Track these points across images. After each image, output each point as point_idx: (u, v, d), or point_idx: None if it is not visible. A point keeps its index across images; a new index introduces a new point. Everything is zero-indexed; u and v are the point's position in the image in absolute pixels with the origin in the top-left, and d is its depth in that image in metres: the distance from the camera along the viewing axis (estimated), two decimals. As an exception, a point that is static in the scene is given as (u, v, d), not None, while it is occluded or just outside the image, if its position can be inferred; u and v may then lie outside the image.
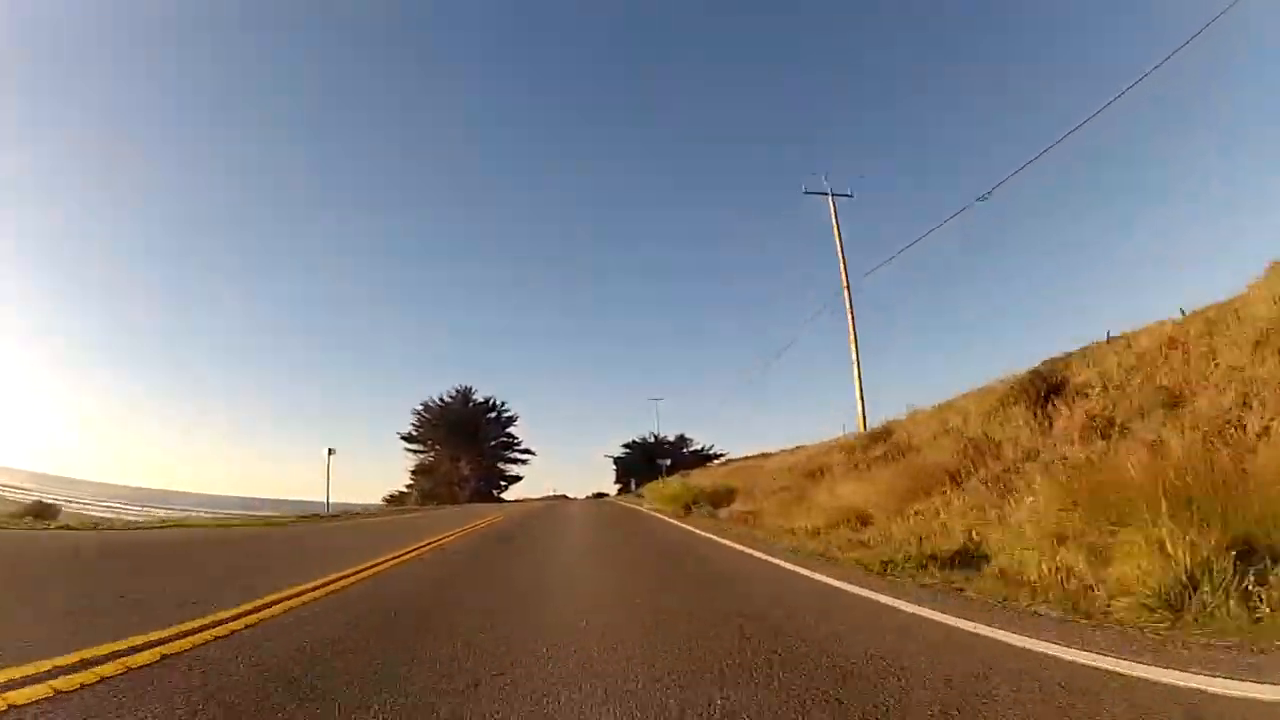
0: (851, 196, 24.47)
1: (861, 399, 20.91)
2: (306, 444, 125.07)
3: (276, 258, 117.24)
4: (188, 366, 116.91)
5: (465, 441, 61.40)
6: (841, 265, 23.10)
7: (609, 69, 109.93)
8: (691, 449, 70.03)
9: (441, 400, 64.18)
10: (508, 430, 69.92)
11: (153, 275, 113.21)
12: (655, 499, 28.88)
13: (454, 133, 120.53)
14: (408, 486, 64.37)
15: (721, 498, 19.57)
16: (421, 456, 64.09)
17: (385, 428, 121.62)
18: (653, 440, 73.27)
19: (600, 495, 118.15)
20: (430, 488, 60.88)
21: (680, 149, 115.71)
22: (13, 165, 70.36)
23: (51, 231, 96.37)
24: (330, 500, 22.84)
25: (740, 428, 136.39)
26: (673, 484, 30.22)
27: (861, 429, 19.78)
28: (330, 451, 23.12)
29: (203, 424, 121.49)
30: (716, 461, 64.35)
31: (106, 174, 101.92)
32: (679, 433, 71.14)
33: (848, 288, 22.65)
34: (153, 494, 40.57)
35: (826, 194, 24.25)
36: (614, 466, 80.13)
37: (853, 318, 21.93)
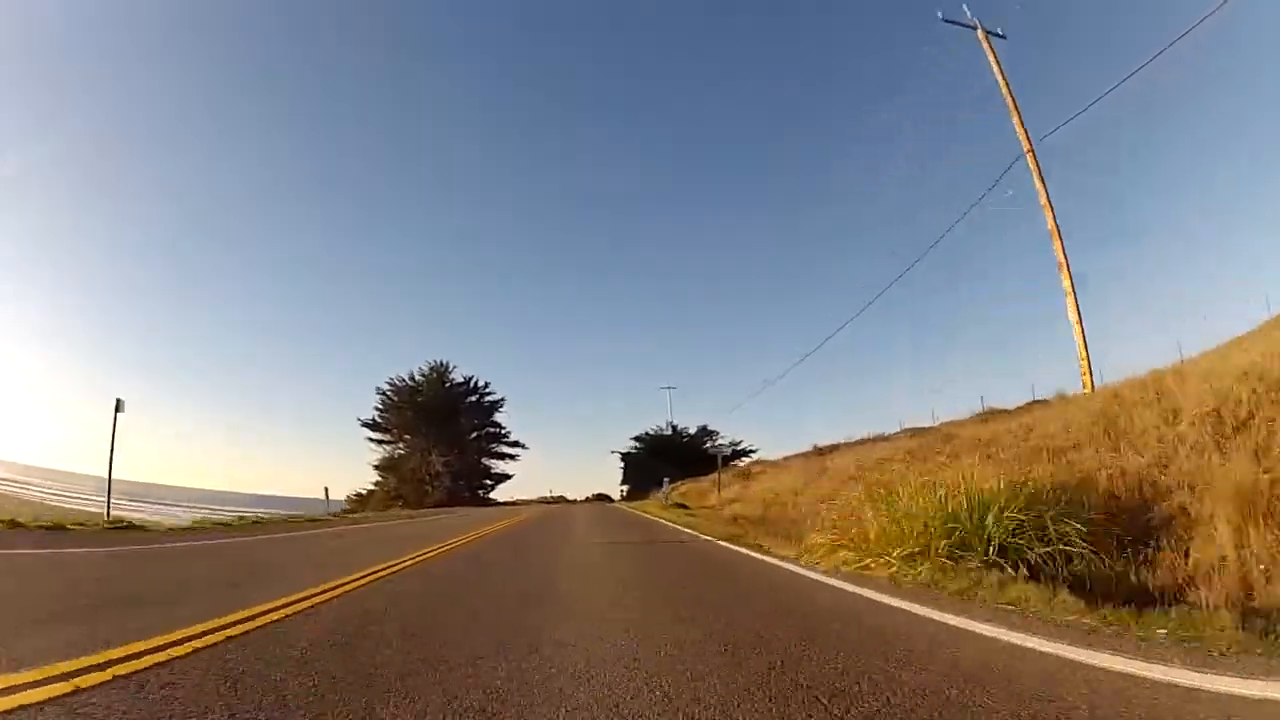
0: (1005, 38, 15.11)
1: (1083, 338, 11.43)
2: (298, 441, 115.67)
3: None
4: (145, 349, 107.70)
5: (440, 430, 51.48)
6: (1015, 119, 13.53)
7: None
8: (716, 444, 59.47)
9: (411, 379, 54.11)
10: (493, 418, 59.83)
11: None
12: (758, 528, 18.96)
13: (454, 115, 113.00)
14: (375, 484, 54.32)
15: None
16: (389, 448, 54.00)
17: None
18: (669, 431, 62.67)
19: (602, 497, 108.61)
20: (396, 486, 50.89)
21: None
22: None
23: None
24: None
25: (759, 426, 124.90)
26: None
27: (1087, 384, 11.87)
28: (118, 407, 13.48)
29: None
30: (747, 460, 54.30)
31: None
32: (701, 424, 60.68)
33: (1031, 151, 13.02)
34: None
35: (974, 27, 14.75)
36: (620, 464, 69.73)
37: (1047, 196, 12.37)
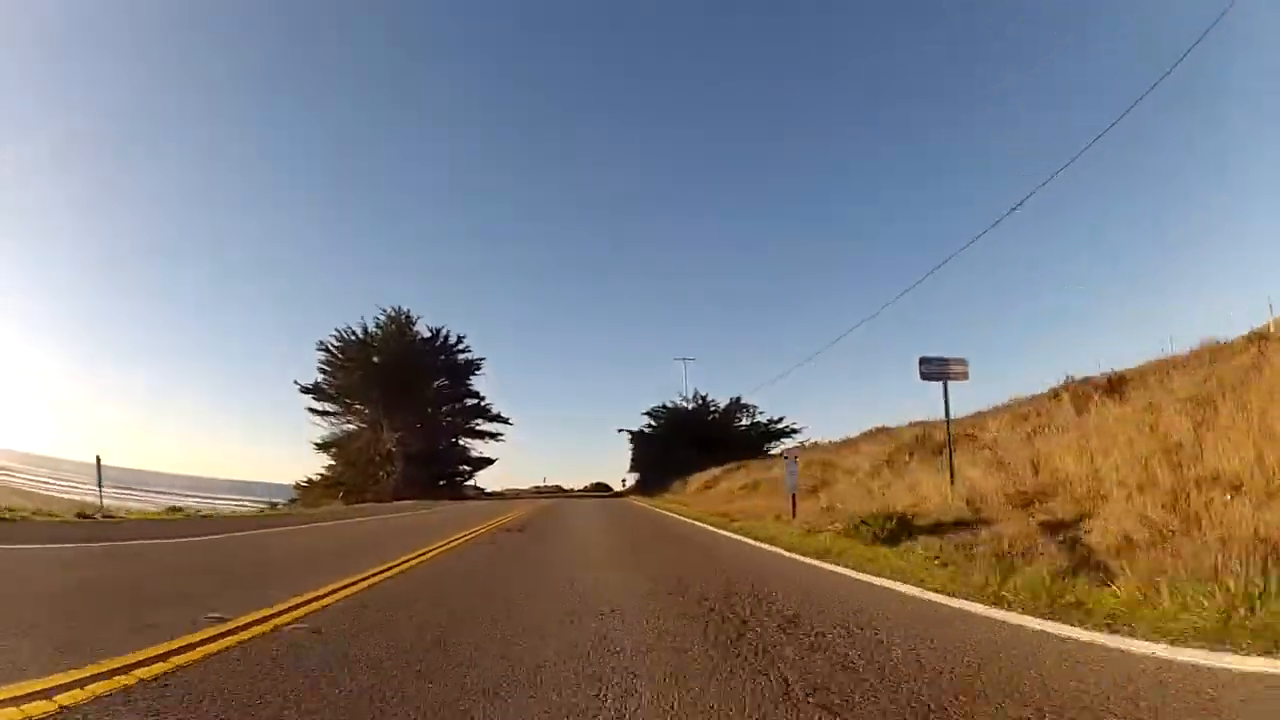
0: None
1: None
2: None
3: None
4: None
5: (398, 399, 40.04)
6: None
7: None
8: (750, 421, 48.27)
9: (364, 330, 42.44)
10: (468, 385, 48.40)
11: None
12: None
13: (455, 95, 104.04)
14: (327, 469, 42.99)
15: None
16: (336, 422, 42.70)
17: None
18: (693, 404, 51.26)
19: (601, 488, 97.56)
20: (343, 470, 39.74)
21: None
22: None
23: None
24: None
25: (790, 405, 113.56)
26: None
27: None
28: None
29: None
30: (790, 442, 43.24)
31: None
32: (734, 396, 49.41)
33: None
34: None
35: None
36: (630, 445, 58.40)
37: None
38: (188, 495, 35.70)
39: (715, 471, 29.63)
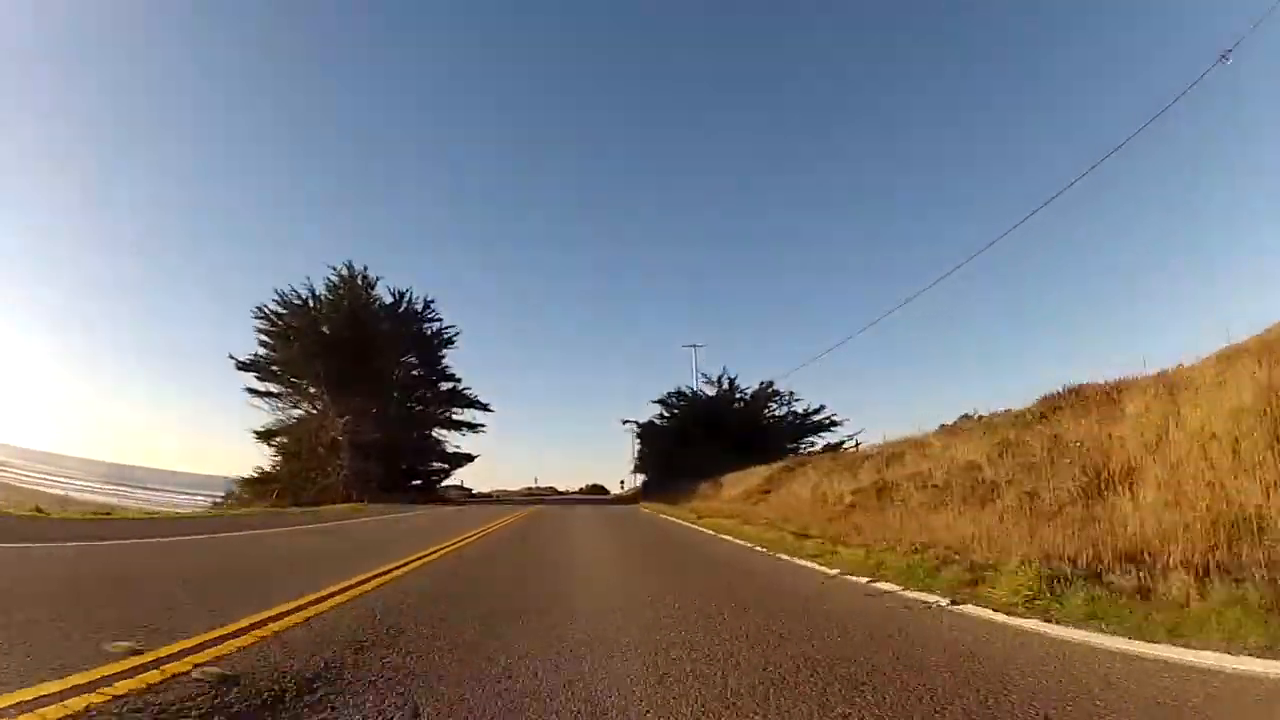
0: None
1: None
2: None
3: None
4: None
5: (353, 376, 32.35)
6: None
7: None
8: (788, 409, 40.60)
9: (311, 292, 34.49)
10: (442, 364, 40.59)
11: None
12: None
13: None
14: (274, 465, 34.99)
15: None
16: (284, 406, 34.86)
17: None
18: (713, 390, 43.45)
19: (598, 490, 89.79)
20: (285, 465, 32.06)
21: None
22: None
23: None
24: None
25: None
26: None
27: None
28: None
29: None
30: (851, 445, 35.75)
31: None
32: (765, 380, 41.62)
33: None
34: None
35: None
36: (635, 441, 50.74)
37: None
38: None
39: (760, 471, 22.08)
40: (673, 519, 17.34)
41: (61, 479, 35.05)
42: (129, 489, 32.88)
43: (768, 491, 18.07)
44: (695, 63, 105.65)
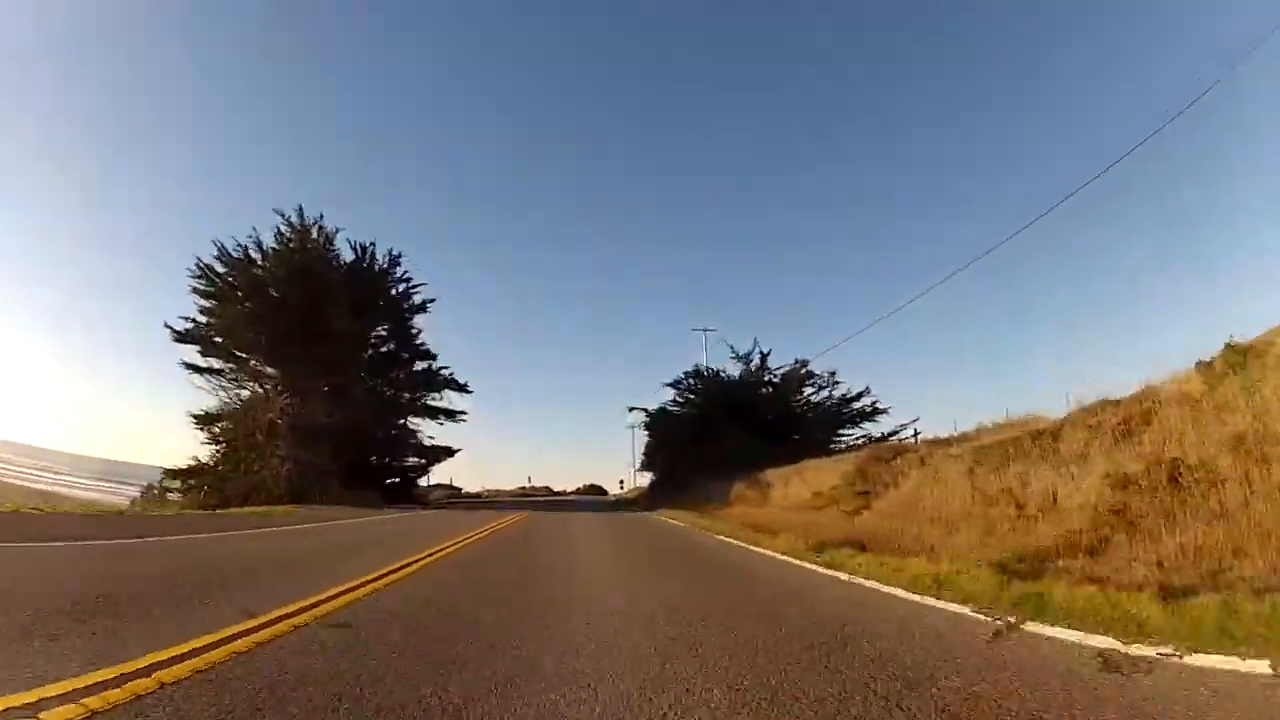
0: None
1: None
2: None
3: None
4: None
5: (304, 348, 26.26)
6: None
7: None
8: (827, 396, 34.68)
9: (256, 244, 28.08)
10: (415, 340, 34.49)
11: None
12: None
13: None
14: (213, 457, 28.57)
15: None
16: (230, 386, 28.59)
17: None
18: (739, 372, 37.46)
19: (596, 490, 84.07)
20: (221, 457, 26.04)
21: None
22: None
23: None
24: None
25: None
26: None
27: None
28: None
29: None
30: (874, 427, 30.00)
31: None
32: (799, 358, 35.52)
33: None
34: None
35: None
36: (643, 432, 45.01)
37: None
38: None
39: (829, 465, 16.06)
40: (743, 545, 10.23)
41: (49, 475, 37.09)
42: (115, 484, 32.28)
43: (865, 493, 12.18)
44: (695, 63, 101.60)
